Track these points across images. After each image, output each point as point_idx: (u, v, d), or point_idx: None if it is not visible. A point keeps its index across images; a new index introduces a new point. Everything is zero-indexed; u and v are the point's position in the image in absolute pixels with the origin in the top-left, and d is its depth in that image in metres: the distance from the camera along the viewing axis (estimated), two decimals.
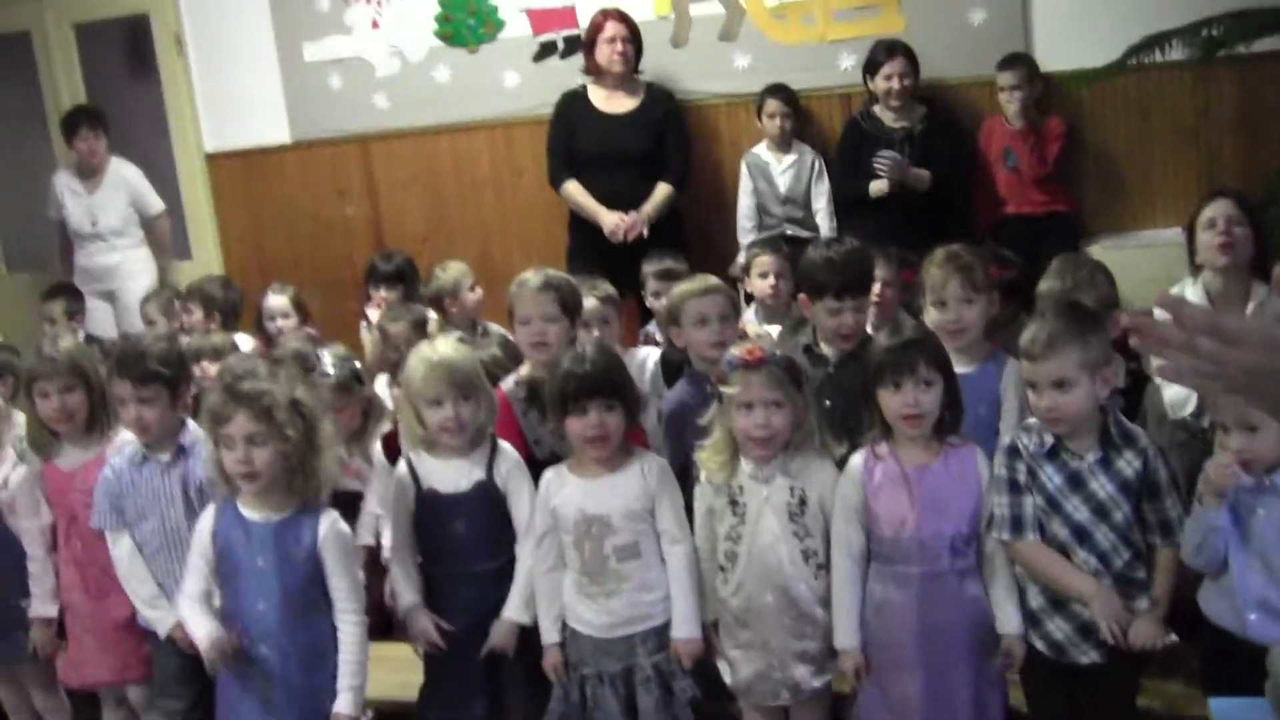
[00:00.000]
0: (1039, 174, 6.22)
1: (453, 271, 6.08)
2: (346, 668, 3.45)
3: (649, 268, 5.58)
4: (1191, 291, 4.46)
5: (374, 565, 4.63)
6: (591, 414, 3.46)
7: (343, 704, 3.41)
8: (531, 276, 4.25)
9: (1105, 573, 3.23)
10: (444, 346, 3.76)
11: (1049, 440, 3.26)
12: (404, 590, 3.74)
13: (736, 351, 3.41)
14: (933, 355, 3.33)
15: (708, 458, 3.48)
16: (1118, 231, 6.38)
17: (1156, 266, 5.70)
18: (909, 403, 3.28)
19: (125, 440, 4.06)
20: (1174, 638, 3.27)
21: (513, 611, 3.66)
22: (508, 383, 4.23)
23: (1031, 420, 3.34)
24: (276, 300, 6.46)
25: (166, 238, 7.71)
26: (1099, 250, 6.12)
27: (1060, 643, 3.29)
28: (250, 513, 3.43)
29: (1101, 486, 3.22)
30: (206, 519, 3.48)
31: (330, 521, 3.46)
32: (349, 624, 3.47)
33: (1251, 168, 6.14)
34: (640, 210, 6.40)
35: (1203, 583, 3.24)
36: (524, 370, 4.25)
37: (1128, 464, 3.23)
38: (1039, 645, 3.33)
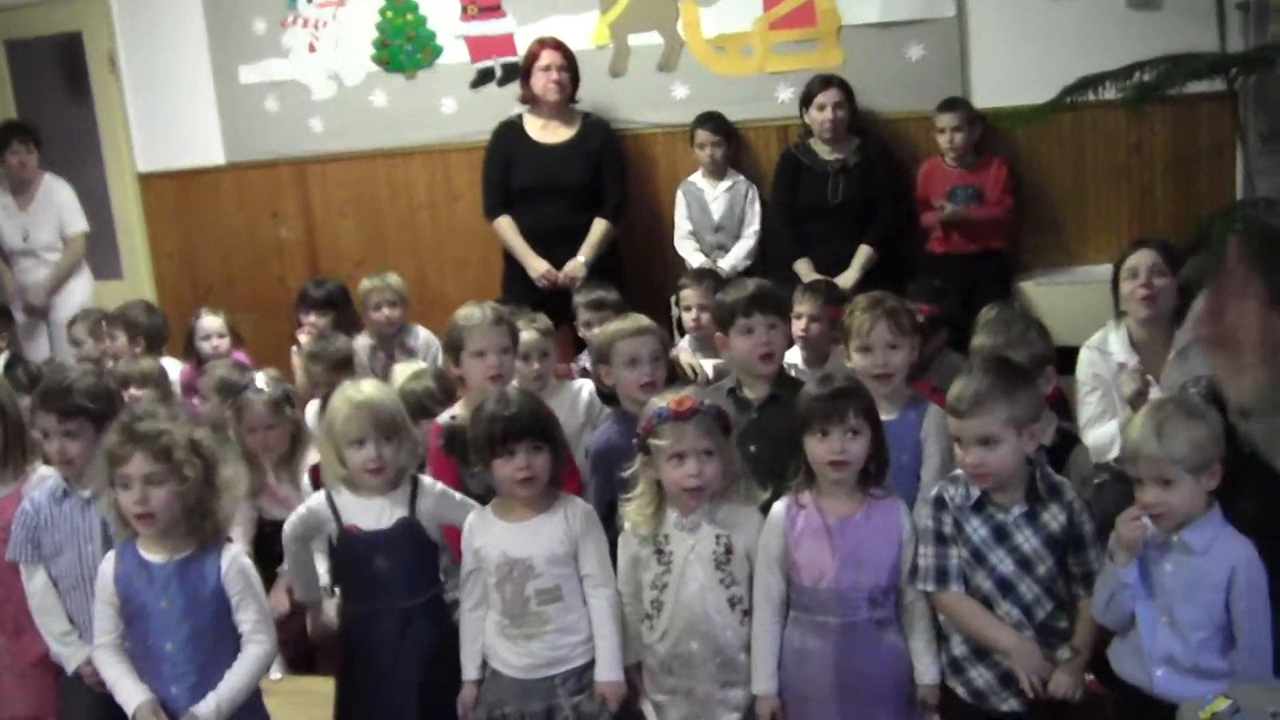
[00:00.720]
0: (989, 215, 6.23)
1: (363, 288, 6.21)
2: (230, 677, 3.37)
3: (580, 298, 5.56)
4: (1115, 338, 4.47)
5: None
6: (519, 456, 3.43)
7: (203, 706, 3.32)
8: (479, 310, 4.27)
9: (1028, 624, 3.24)
10: (368, 387, 3.73)
11: (975, 493, 3.26)
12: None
13: (665, 403, 3.38)
14: (862, 404, 3.32)
15: (634, 511, 3.46)
16: (1052, 267, 6.42)
17: (1089, 302, 5.73)
18: (836, 450, 3.27)
19: (43, 475, 4.00)
20: (1091, 678, 3.32)
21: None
22: (444, 417, 4.21)
23: (958, 472, 3.34)
24: (211, 321, 6.44)
25: (75, 259, 7.54)
26: (1033, 286, 6.18)
27: (981, 690, 3.30)
28: (150, 554, 3.36)
29: (1027, 540, 3.23)
30: (107, 564, 3.41)
31: (232, 556, 3.42)
32: (255, 644, 3.41)
33: (1183, 206, 6.23)
34: (577, 259, 6.41)
35: (1113, 639, 3.24)
36: (459, 407, 4.23)
37: (1053, 518, 3.24)
38: (960, 692, 3.33)
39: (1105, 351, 4.47)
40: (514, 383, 4.27)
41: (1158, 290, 4.37)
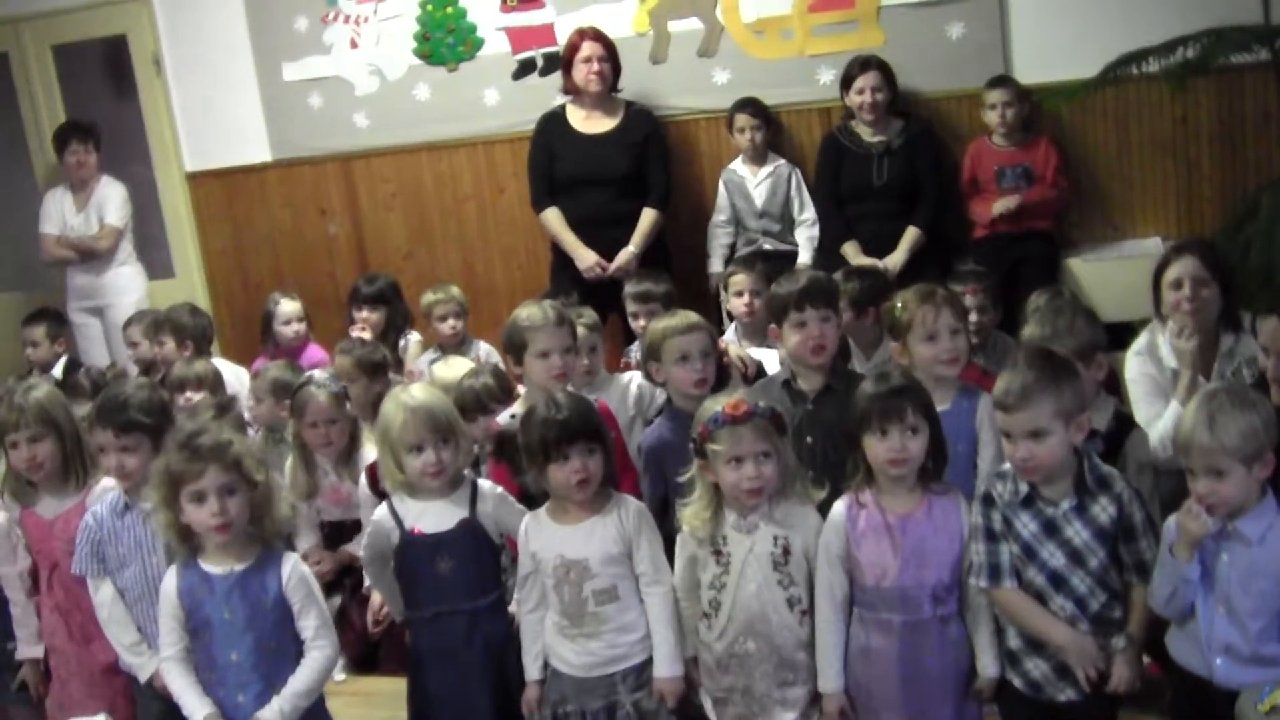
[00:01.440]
0: (1044, 197, 6.21)
1: (426, 300, 6.22)
2: (294, 682, 3.42)
3: (628, 289, 5.58)
4: (1161, 340, 4.44)
5: (356, 590, 4.66)
6: (574, 459, 3.45)
7: (268, 711, 3.39)
8: (541, 310, 4.27)
9: (1082, 617, 3.23)
10: (419, 391, 3.75)
11: (1023, 489, 3.26)
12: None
13: (720, 407, 3.37)
14: (919, 400, 3.32)
15: (692, 515, 3.47)
16: (1099, 243, 6.41)
17: (1136, 276, 5.71)
18: (895, 448, 3.27)
19: (106, 487, 4.07)
20: (1148, 660, 3.35)
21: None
22: (503, 416, 4.25)
23: (1006, 467, 3.34)
24: (290, 306, 6.58)
25: (97, 248, 7.58)
26: (1080, 263, 6.16)
27: (1038, 681, 3.30)
28: (212, 567, 3.41)
29: (1077, 533, 3.22)
30: (170, 580, 3.46)
31: (292, 564, 3.47)
32: (317, 650, 3.47)
33: (1229, 178, 6.20)
34: (628, 249, 6.43)
35: (1169, 627, 3.25)
36: (518, 405, 4.26)
37: (1102, 509, 3.23)
38: (1017, 683, 3.33)
39: (1156, 356, 4.44)
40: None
41: (1204, 301, 4.31)
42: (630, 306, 5.53)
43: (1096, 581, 3.23)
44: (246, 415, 5.63)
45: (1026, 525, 3.25)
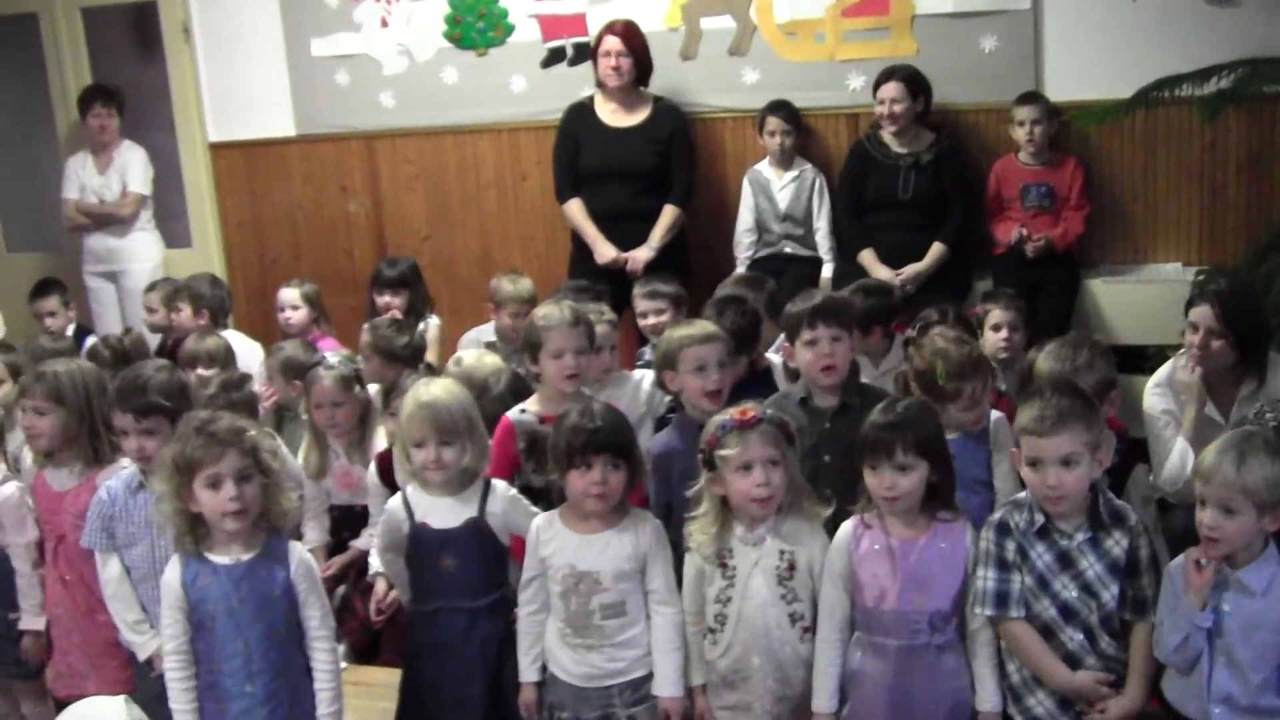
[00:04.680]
0: (1073, 236, 6.17)
1: (504, 292, 6.09)
2: (325, 694, 3.46)
3: (637, 289, 5.56)
4: (1184, 374, 4.43)
5: (358, 579, 4.65)
6: (596, 470, 3.43)
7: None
8: (558, 310, 4.29)
9: (1090, 650, 3.24)
10: (436, 388, 3.73)
11: (1039, 519, 3.26)
12: None
13: (729, 414, 3.39)
14: (914, 438, 3.29)
15: (698, 530, 3.47)
16: (1120, 265, 6.39)
17: (1156, 300, 5.75)
18: (885, 484, 3.28)
19: (123, 465, 4.07)
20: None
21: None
22: (514, 412, 4.29)
23: (1021, 495, 3.35)
24: (287, 293, 6.48)
25: (120, 214, 7.59)
26: (1099, 283, 6.15)
27: (1041, 717, 3.30)
28: (219, 557, 3.38)
29: (1090, 566, 3.23)
30: (173, 571, 3.40)
31: (299, 554, 3.47)
32: (323, 650, 3.48)
33: (1255, 207, 6.18)
34: (644, 246, 6.42)
35: (1167, 670, 3.25)
36: (532, 402, 4.30)
37: (1116, 543, 3.24)
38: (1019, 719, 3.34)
39: (1176, 389, 4.44)
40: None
41: (1212, 351, 4.31)
42: (639, 305, 5.47)
43: (1106, 617, 3.24)
44: (259, 388, 5.61)
45: (1041, 556, 3.26)
